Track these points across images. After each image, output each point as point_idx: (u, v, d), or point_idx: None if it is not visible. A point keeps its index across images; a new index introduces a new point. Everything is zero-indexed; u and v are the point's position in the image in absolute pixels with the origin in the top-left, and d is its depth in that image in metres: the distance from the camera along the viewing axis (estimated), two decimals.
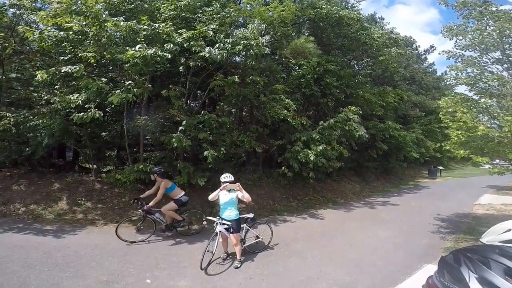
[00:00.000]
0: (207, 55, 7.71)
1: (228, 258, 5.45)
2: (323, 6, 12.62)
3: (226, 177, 5.36)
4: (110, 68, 8.54)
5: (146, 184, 8.89)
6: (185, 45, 7.71)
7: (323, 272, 5.02)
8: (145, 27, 7.39)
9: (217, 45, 8.04)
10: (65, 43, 7.57)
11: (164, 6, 8.64)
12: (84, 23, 7.23)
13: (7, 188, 8.52)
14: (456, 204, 11.54)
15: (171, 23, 7.90)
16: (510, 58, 7.16)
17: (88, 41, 7.50)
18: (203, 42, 7.97)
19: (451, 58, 7.87)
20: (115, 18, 7.32)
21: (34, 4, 8.61)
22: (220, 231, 5.12)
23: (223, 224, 5.15)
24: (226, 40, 8.18)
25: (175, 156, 9.68)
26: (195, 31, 7.83)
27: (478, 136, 6.42)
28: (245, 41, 8.22)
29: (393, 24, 71.27)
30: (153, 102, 10.82)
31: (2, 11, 8.60)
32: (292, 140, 10.79)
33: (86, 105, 7.18)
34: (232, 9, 8.99)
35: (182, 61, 8.27)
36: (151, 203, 6.31)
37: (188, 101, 10.46)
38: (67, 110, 8.01)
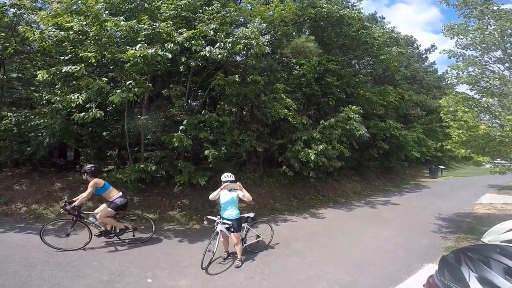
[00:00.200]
0: (208, 55, 7.71)
1: (229, 257, 5.45)
2: (323, 6, 12.61)
3: (227, 176, 5.36)
4: (111, 67, 8.55)
5: (147, 183, 8.91)
6: (185, 45, 7.70)
7: (323, 271, 5.02)
8: (145, 26, 7.40)
9: (217, 44, 8.04)
10: (66, 43, 7.59)
11: (164, 6, 8.64)
12: (85, 22, 7.25)
13: (9, 187, 8.55)
14: (457, 204, 11.52)
15: (171, 23, 7.90)
16: (511, 57, 7.14)
17: (88, 41, 7.51)
18: (203, 42, 7.97)
19: (452, 57, 7.84)
20: (116, 18, 7.32)
21: (34, 4, 8.62)
22: (221, 230, 5.12)
23: (224, 223, 5.15)
24: (226, 39, 8.18)
25: (176, 155, 9.69)
26: (196, 31, 7.83)
27: (479, 136, 6.41)
28: (246, 41, 8.22)
29: (394, 23, 71.10)
30: (154, 101, 10.83)
31: (3, 11, 8.62)
32: (292, 140, 10.79)
33: (87, 105, 7.20)
34: (232, 9, 8.98)
35: (183, 60, 8.28)
36: (75, 203, 5.57)
37: (189, 101, 10.47)
38: (68, 110, 8.04)
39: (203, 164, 9.29)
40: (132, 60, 6.82)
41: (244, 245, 5.63)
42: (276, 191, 11.04)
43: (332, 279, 4.75)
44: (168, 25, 7.63)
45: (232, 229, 5.14)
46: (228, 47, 8.03)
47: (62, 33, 7.23)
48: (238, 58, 11.57)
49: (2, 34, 8.59)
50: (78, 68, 6.87)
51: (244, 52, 9.28)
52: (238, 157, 11.35)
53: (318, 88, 12.42)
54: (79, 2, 7.50)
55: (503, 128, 6.30)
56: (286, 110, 10.04)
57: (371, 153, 16.19)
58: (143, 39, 7.28)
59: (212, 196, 5.29)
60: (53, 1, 8.40)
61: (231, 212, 5.24)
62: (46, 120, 8.10)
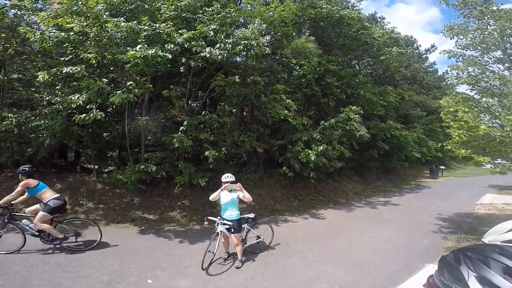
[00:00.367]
0: (208, 55, 7.72)
1: (229, 258, 5.46)
2: (323, 6, 12.62)
3: (227, 177, 5.37)
4: (111, 68, 8.56)
5: (147, 184, 8.92)
6: (185, 46, 7.72)
7: (324, 272, 5.02)
8: (145, 27, 7.41)
9: (217, 45, 8.05)
10: (66, 44, 7.60)
11: (164, 7, 8.66)
12: (85, 23, 7.25)
13: (9, 188, 8.51)
14: (458, 204, 11.50)
15: (171, 24, 7.91)
16: (511, 57, 7.14)
17: (89, 42, 7.53)
18: (203, 42, 7.98)
19: (452, 58, 7.84)
20: (116, 19, 7.33)
21: (35, 5, 8.64)
22: (221, 231, 5.12)
23: (224, 224, 5.15)
24: (226, 40, 8.19)
25: (176, 156, 9.70)
26: (196, 32, 7.84)
27: (480, 136, 6.40)
28: (246, 41, 8.23)
29: (394, 23, 71.14)
30: (154, 102, 10.85)
31: (3, 12, 8.65)
32: (293, 140, 10.79)
33: (88, 106, 7.21)
34: (232, 9, 9.00)
35: (183, 61, 8.29)
36: (1, 201, 5.31)
37: (189, 101, 10.49)
38: (68, 111, 8.06)
39: (204, 165, 9.30)
40: (132, 61, 6.83)
41: (245, 245, 5.62)
42: (276, 192, 11.04)
43: (333, 279, 4.75)
44: (168, 26, 7.65)
45: (233, 230, 5.14)
46: (228, 48, 8.05)
47: (63, 34, 7.23)
48: (238, 59, 11.58)
49: (3, 35, 8.62)
50: (79, 69, 6.88)
51: (244, 53, 9.30)
52: (239, 158, 11.36)
53: (318, 88, 12.43)
54: (80, 3, 7.53)
55: (503, 128, 6.29)
56: (286, 111, 10.04)
57: (372, 153, 16.19)
58: (143, 40, 7.29)
59: (212, 197, 5.30)
60: (54, 2, 8.43)
61: (231, 213, 5.25)
62: (46, 121, 8.12)
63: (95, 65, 7.69)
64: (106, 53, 7.33)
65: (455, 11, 7.89)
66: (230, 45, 8.07)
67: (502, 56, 7.24)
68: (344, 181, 14.63)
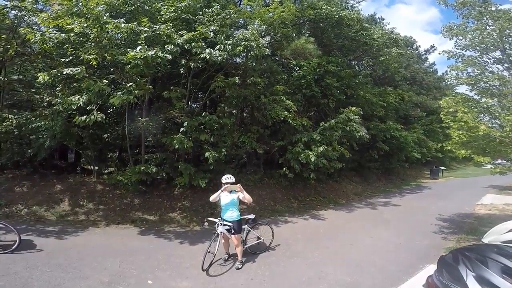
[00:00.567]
0: (208, 57, 7.73)
1: (230, 259, 5.46)
2: (323, 7, 12.64)
3: (227, 178, 5.38)
4: (111, 69, 8.58)
5: (147, 185, 8.93)
6: (185, 47, 7.74)
7: (324, 272, 5.02)
8: (145, 28, 7.43)
9: (217, 46, 8.07)
10: (67, 45, 7.62)
11: (164, 8, 8.69)
12: (85, 25, 7.27)
13: (10, 189, 8.57)
14: (458, 204, 11.50)
15: (171, 25, 7.93)
16: (510, 58, 7.15)
17: (89, 43, 7.54)
18: (203, 44, 8.00)
19: (452, 58, 7.86)
20: (116, 20, 7.36)
21: (35, 6, 8.65)
22: (221, 232, 5.12)
23: (225, 225, 5.15)
24: (226, 41, 8.21)
25: (177, 157, 9.70)
26: (196, 33, 7.86)
27: (480, 136, 6.41)
28: (246, 42, 8.25)
29: (393, 23, 71.54)
30: (154, 103, 10.86)
31: (4, 13, 8.66)
32: (293, 141, 10.79)
33: (88, 107, 7.22)
34: (232, 11, 9.01)
35: (183, 62, 8.31)
36: None
37: (189, 103, 10.50)
38: (68, 112, 8.07)
39: (204, 166, 9.30)
40: (132, 62, 6.85)
41: (245, 246, 5.63)
42: (276, 193, 11.05)
43: (333, 280, 4.76)
44: (168, 27, 7.66)
45: (233, 231, 5.14)
46: (228, 49, 8.06)
47: (63, 35, 7.25)
48: (238, 60, 11.59)
49: (3, 36, 8.63)
50: (79, 70, 6.89)
51: (244, 54, 9.31)
52: (239, 158, 11.36)
53: (318, 89, 12.43)
54: (80, 4, 7.54)
55: (503, 129, 6.30)
56: (286, 112, 10.05)
57: (372, 154, 16.19)
58: (144, 41, 7.30)
59: (212, 198, 5.31)
60: (54, 3, 8.43)
61: (231, 214, 5.25)
62: (47, 122, 8.14)
63: (96, 66, 7.70)
64: (106, 54, 7.34)
65: (454, 11, 7.92)
66: (230, 46, 8.09)
67: (501, 56, 7.26)
68: (344, 182, 14.63)
